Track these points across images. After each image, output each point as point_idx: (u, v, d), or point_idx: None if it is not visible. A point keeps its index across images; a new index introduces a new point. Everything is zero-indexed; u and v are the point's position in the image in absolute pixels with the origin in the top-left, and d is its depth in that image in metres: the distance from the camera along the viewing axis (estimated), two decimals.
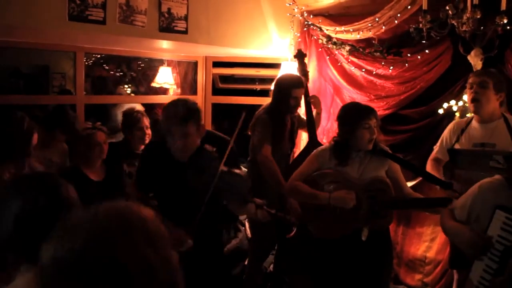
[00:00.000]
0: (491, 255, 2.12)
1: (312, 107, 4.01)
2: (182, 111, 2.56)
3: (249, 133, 3.80)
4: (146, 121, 3.98)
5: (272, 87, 4.31)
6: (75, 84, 4.41)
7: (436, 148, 3.50)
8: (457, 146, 3.32)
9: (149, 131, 3.98)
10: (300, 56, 4.22)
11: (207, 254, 2.84)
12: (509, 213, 2.10)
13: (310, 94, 4.13)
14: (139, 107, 4.53)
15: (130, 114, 3.97)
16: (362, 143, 2.89)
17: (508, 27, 3.36)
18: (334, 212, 2.90)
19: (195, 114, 2.61)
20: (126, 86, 6.28)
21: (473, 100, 3.21)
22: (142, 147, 3.79)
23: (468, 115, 3.75)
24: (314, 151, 3.17)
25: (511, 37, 3.57)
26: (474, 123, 3.30)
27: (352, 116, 2.92)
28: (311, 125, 3.94)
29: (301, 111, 4.15)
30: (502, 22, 3.14)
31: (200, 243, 2.69)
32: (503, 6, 3.12)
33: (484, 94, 3.16)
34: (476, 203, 2.33)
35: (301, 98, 3.80)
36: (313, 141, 3.89)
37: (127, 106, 4.79)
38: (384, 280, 3.09)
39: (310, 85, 4.30)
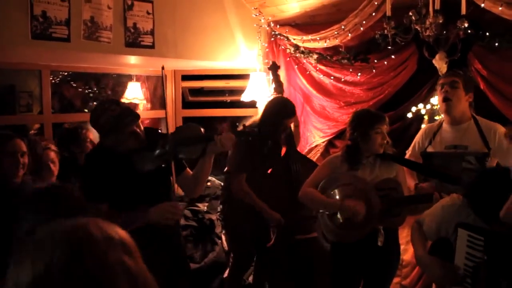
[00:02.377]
0: (466, 272, 2.13)
1: None
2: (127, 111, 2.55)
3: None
4: (91, 135, 3.87)
5: (247, 97, 4.29)
6: (42, 103, 4.33)
7: (408, 152, 3.53)
8: (430, 149, 3.37)
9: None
10: (273, 68, 4.21)
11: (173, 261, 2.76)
12: (470, 230, 2.11)
13: None
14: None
15: (72, 131, 3.88)
16: (374, 147, 2.96)
17: (469, 31, 3.44)
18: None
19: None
20: (95, 103, 6.18)
21: (445, 100, 3.25)
22: None
23: (437, 118, 3.82)
24: (327, 158, 3.25)
25: (472, 41, 3.65)
26: (446, 126, 3.34)
27: (365, 121, 2.99)
28: (290, 136, 3.83)
29: None
30: (463, 26, 3.21)
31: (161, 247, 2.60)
32: (463, 10, 3.19)
33: (455, 94, 3.21)
34: (442, 223, 2.35)
35: (289, 126, 3.73)
36: (292, 152, 3.82)
37: None
38: (389, 281, 3.17)
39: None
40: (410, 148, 3.52)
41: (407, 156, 3.51)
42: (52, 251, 0.91)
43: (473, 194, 2.19)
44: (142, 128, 2.62)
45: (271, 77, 4.25)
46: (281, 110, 3.66)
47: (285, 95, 4.66)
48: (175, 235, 2.81)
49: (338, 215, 2.94)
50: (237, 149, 3.55)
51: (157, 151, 2.55)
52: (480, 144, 3.16)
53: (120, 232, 1.00)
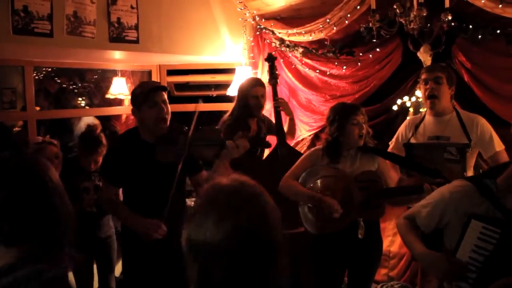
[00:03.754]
0: (470, 265, 2.01)
1: (283, 113, 3.92)
2: (151, 83, 2.87)
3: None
4: (104, 140, 3.66)
5: (233, 92, 4.26)
6: (25, 100, 4.27)
7: (391, 144, 3.56)
8: (413, 141, 3.40)
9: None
10: (270, 59, 4.18)
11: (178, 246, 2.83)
12: (486, 222, 1.99)
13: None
14: (91, 120, 4.35)
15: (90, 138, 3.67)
16: (352, 140, 2.98)
17: (453, 24, 3.46)
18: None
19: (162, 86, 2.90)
20: (80, 99, 6.13)
21: (430, 97, 3.27)
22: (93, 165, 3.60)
23: (422, 110, 3.84)
24: (308, 151, 3.28)
25: (456, 33, 3.68)
26: (428, 118, 3.37)
27: (340, 114, 3.01)
28: (279, 129, 3.86)
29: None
30: (446, 19, 3.23)
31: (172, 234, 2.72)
32: (447, 3, 3.21)
33: (440, 90, 3.24)
34: (448, 210, 2.17)
35: (262, 97, 3.73)
36: (281, 144, 3.81)
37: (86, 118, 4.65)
38: (373, 273, 3.18)
39: (267, 88, 4.23)
40: (393, 140, 3.55)
41: (390, 148, 3.54)
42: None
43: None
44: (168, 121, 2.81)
45: (267, 68, 4.18)
46: (247, 81, 3.81)
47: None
48: (176, 242, 2.82)
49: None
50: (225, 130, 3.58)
51: (178, 147, 2.68)
52: (461, 136, 3.20)
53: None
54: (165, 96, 2.81)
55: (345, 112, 3.00)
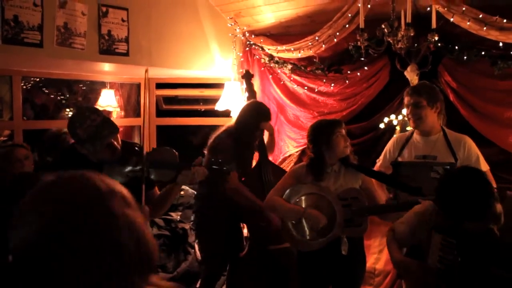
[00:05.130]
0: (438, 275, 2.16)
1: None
2: (107, 122, 2.52)
3: (205, 151, 3.66)
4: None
5: (221, 107, 4.26)
6: (12, 109, 4.24)
7: (379, 162, 3.57)
8: (400, 159, 3.42)
9: None
10: (247, 76, 4.23)
11: None
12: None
13: None
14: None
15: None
16: (338, 151, 3.01)
17: (439, 44, 3.52)
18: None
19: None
20: (68, 110, 6.10)
21: (413, 118, 3.31)
22: None
23: (408, 128, 3.88)
24: (292, 168, 3.27)
25: (442, 53, 3.74)
26: (416, 137, 3.40)
27: (326, 128, 3.05)
28: (262, 144, 3.89)
29: None
30: (433, 39, 3.29)
31: None
32: (434, 24, 3.27)
33: (421, 113, 3.26)
34: (416, 230, 2.39)
35: (265, 129, 3.76)
36: (264, 161, 3.85)
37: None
38: None
39: None
40: (381, 157, 3.57)
41: (377, 165, 3.55)
42: (57, 202, 0.93)
43: (440, 196, 2.21)
44: (119, 141, 2.61)
45: (244, 85, 4.26)
46: (257, 113, 3.70)
47: None
48: None
49: (304, 223, 2.98)
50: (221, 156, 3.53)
51: (129, 168, 2.57)
52: (448, 155, 3.23)
53: (119, 186, 1.04)
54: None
55: (331, 126, 3.04)
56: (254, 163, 3.96)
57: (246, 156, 3.70)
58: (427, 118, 3.27)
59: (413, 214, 2.48)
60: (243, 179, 3.72)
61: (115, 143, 2.55)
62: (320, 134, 3.05)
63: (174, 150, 2.74)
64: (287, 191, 3.10)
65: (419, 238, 2.34)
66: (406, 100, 3.34)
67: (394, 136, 3.70)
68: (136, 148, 2.70)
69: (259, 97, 4.71)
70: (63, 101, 6.01)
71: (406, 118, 3.91)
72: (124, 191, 1.03)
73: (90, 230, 0.91)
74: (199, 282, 4.18)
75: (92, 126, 2.44)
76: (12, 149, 3.31)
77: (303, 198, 3.04)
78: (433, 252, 2.18)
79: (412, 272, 2.28)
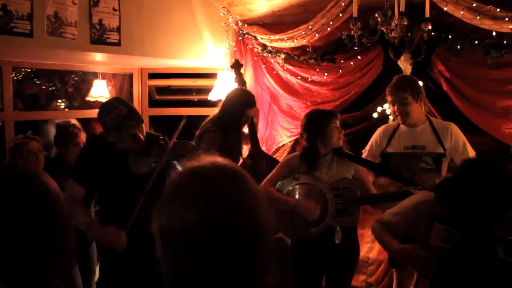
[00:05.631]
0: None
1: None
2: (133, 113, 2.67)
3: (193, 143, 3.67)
4: (83, 137, 3.70)
5: (214, 97, 4.22)
6: (3, 101, 4.20)
7: (365, 152, 3.55)
8: (389, 150, 3.42)
9: None
10: (236, 66, 4.21)
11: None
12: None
13: None
14: (74, 121, 4.33)
15: (65, 128, 3.71)
16: (332, 142, 3.02)
17: (433, 33, 3.51)
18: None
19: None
20: (59, 101, 6.05)
21: (401, 115, 3.30)
22: None
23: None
24: (285, 158, 3.28)
25: (436, 43, 3.73)
26: (403, 127, 3.39)
27: (321, 119, 3.05)
28: (254, 135, 3.88)
29: None
30: (427, 28, 3.28)
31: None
32: (427, 13, 3.26)
33: (407, 109, 3.26)
34: (414, 222, 2.31)
35: (252, 117, 3.74)
36: (256, 151, 3.84)
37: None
38: (350, 278, 3.19)
39: None
40: (367, 147, 3.55)
41: (364, 155, 3.54)
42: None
43: (449, 189, 2.17)
44: (144, 132, 2.73)
45: (234, 75, 4.23)
46: (242, 100, 3.67)
47: None
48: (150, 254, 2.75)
49: (297, 213, 2.99)
50: (203, 144, 3.52)
51: (152, 159, 2.66)
52: (436, 145, 3.24)
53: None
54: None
55: (326, 117, 3.04)
56: (246, 152, 3.95)
57: (233, 144, 3.67)
58: (414, 112, 3.28)
59: (411, 204, 2.40)
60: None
61: (139, 134, 2.67)
62: (315, 124, 3.06)
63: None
64: (280, 181, 3.10)
65: (415, 229, 2.30)
66: (390, 98, 3.33)
67: (381, 126, 3.69)
68: (161, 140, 2.78)
69: (252, 87, 4.69)
70: (55, 92, 5.96)
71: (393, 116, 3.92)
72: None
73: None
74: None
75: (119, 116, 2.60)
76: (25, 142, 3.28)
77: (296, 188, 3.04)
78: (433, 243, 2.13)
79: (415, 255, 2.17)
